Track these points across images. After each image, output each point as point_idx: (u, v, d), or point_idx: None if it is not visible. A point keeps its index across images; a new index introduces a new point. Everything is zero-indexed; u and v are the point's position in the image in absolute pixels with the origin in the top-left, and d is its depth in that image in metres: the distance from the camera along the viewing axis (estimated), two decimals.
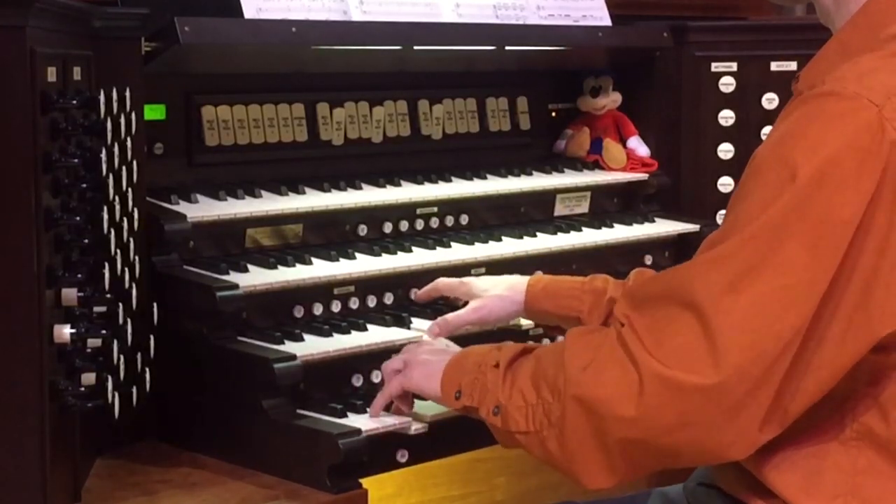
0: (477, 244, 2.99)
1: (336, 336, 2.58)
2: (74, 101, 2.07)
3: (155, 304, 2.42)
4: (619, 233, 3.26)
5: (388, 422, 2.39)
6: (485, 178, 3.24)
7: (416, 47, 3.02)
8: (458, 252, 2.93)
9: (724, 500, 2.08)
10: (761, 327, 1.82)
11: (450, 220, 3.08)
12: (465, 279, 2.72)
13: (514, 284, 2.66)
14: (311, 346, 2.51)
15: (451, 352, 2.30)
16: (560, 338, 2.93)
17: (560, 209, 3.34)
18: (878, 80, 1.83)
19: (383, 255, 2.82)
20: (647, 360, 1.88)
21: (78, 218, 2.07)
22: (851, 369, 1.86)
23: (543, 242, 3.09)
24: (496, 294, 2.65)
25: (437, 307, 2.78)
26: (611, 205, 3.46)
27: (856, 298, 1.82)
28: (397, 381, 2.34)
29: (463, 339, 2.73)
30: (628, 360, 1.90)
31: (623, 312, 1.96)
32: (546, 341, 2.89)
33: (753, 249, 1.83)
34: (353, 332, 2.61)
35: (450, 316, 2.63)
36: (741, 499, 2.03)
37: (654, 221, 3.40)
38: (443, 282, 2.73)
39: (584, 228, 3.23)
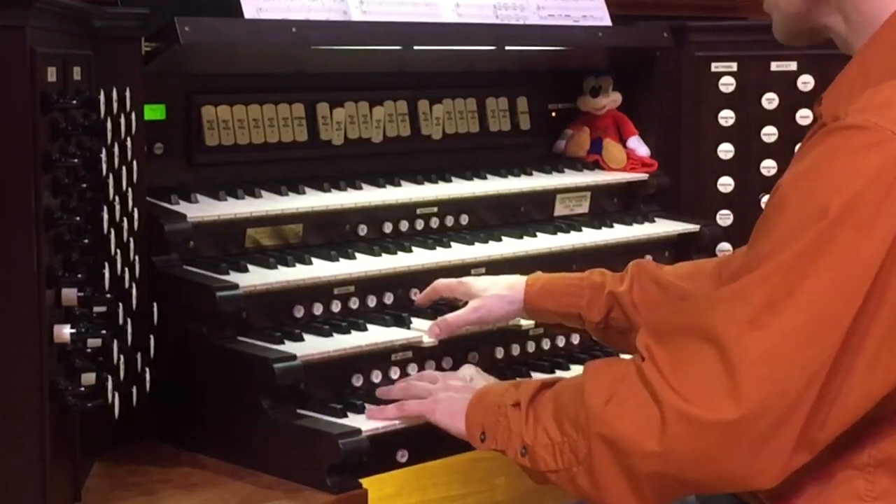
0: (477, 244, 2.99)
1: (336, 336, 2.58)
2: (74, 101, 2.07)
3: (155, 304, 2.42)
4: (619, 233, 3.26)
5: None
6: (485, 178, 3.24)
7: (416, 47, 3.02)
8: (458, 252, 2.93)
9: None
10: (783, 362, 1.81)
11: (450, 220, 3.08)
12: (464, 279, 2.72)
13: (512, 284, 2.66)
14: (311, 346, 2.51)
15: (473, 388, 2.28)
16: (561, 338, 2.94)
17: (560, 209, 3.34)
18: None
19: (383, 255, 2.82)
20: (669, 395, 1.87)
21: (78, 218, 2.07)
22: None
23: (543, 242, 3.09)
24: (495, 294, 2.65)
25: (438, 307, 2.78)
26: (611, 205, 3.46)
27: (883, 331, 1.81)
28: (419, 409, 2.33)
29: (464, 340, 2.74)
30: (649, 396, 1.89)
31: (645, 344, 1.95)
32: (546, 341, 2.90)
33: (776, 285, 1.82)
34: (353, 332, 2.61)
35: (449, 316, 2.63)
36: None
37: (654, 221, 3.39)
38: (441, 283, 2.73)
39: (584, 228, 3.23)
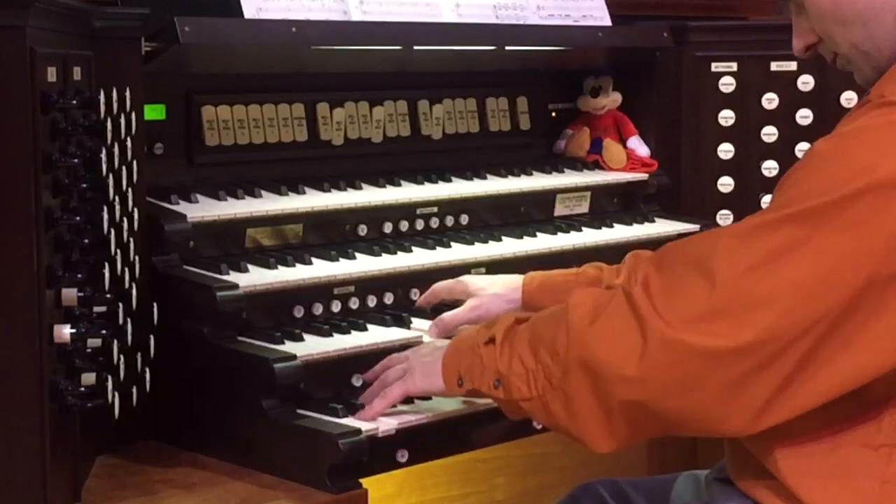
0: (477, 244, 2.99)
1: (336, 336, 2.57)
2: (74, 101, 2.07)
3: (155, 304, 2.42)
4: (619, 233, 3.26)
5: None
6: (485, 178, 3.24)
7: (416, 47, 3.02)
8: (458, 252, 2.93)
9: (737, 498, 2.08)
10: (778, 312, 1.82)
11: (450, 220, 3.08)
12: (462, 278, 2.73)
13: (509, 283, 2.67)
14: (311, 346, 2.51)
15: (446, 344, 2.30)
16: None
17: (560, 209, 3.34)
18: None
19: (383, 255, 2.82)
20: (654, 319, 1.88)
21: (78, 218, 2.07)
22: (890, 374, 1.84)
23: (543, 242, 3.09)
24: (493, 293, 2.65)
25: (437, 307, 2.78)
26: (611, 205, 3.46)
27: (891, 310, 1.80)
28: (400, 387, 2.34)
29: None
30: (634, 318, 1.91)
31: (645, 271, 1.96)
32: None
33: (787, 234, 1.83)
34: (353, 332, 2.61)
35: (446, 315, 2.64)
36: (756, 499, 2.03)
37: (654, 221, 3.40)
38: (439, 286, 2.73)
39: (584, 228, 3.23)
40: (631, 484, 2.45)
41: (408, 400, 2.41)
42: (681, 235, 3.34)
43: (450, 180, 3.16)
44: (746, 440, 1.98)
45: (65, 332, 2.04)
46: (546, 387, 2.02)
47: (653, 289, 1.91)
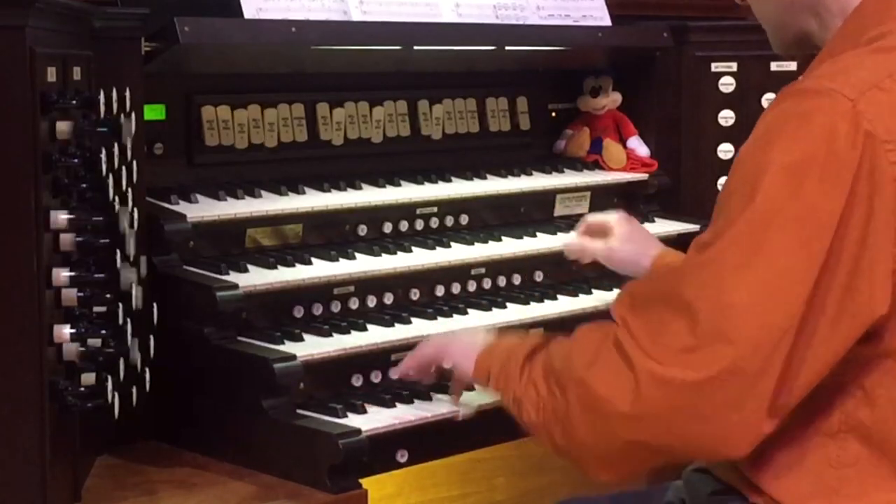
0: (477, 244, 2.99)
1: (336, 336, 2.58)
2: (74, 101, 2.07)
3: (155, 304, 2.42)
4: None
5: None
6: (485, 178, 3.24)
7: (416, 47, 3.02)
8: (457, 252, 2.93)
9: (715, 485, 2.10)
10: (753, 322, 1.84)
11: (450, 220, 3.08)
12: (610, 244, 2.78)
13: (647, 251, 2.74)
14: (311, 346, 2.51)
15: (479, 335, 2.36)
16: None
17: (560, 209, 3.34)
18: (855, 75, 1.87)
19: (383, 255, 2.82)
20: (642, 359, 1.90)
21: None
22: (840, 361, 1.88)
23: (543, 242, 3.09)
24: (632, 249, 2.74)
25: (437, 307, 2.79)
26: (611, 205, 3.46)
27: (843, 288, 1.84)
28: (435, 348, 2.41)
29: None
30: (622, 361, 1.93)
31: (619, 314, 1.99)
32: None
33: (740, 248, 1.86)
34: (353, 332, 2.61)
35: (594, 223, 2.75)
36: (732, 484, 2.05)
37: (654, 221, 3.39)
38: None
39: None
40: (612, 500, 2.46)
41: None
42: (681, 235, 3.34)
43: (450, 180, 3.16)
44: None
45: (65, 332, 2.04)
46: (551, 418, 2.05)
47: (635, 332, 1.94)
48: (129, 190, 2.37)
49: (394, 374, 2.54)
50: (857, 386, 1.92)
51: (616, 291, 2.82)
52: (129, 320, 2.22)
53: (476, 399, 2.48)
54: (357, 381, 2.58)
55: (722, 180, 3.57)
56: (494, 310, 2.84)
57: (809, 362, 1.86)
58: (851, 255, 1.83)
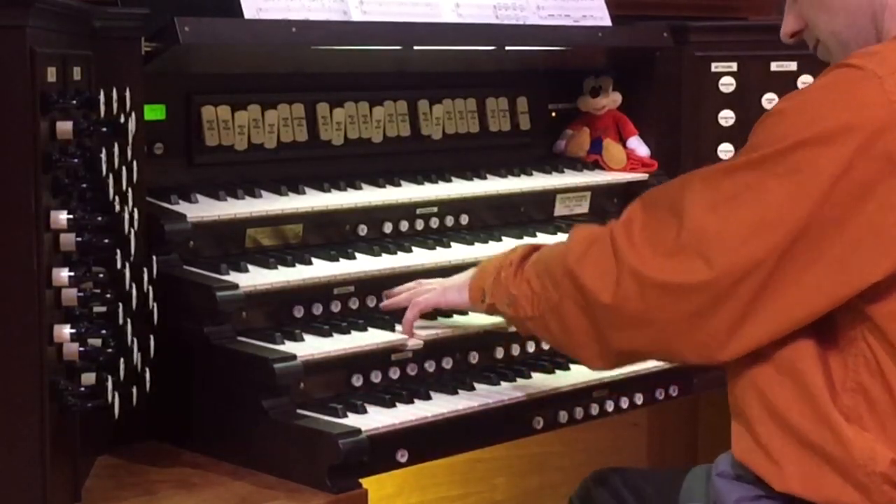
0: (477, 244, 2.99)
1: (336, 336, 2.58)
2: (74, 101, 2.07)
3: (155, 304, 2.42)
4: None
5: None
6: (485, 178, 3.24)
7: (416, 47, 3.02)
8: (457, 252, 2.93)
9: (738, 492, 2.14)
10: (730, 248, 2.00)
11: (450, 220, 3.08)
12: (419, 280, 2.76)
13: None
14: (311, 346, 2.51)
15: (475, 267, 2.54)
16: None
17: (560, 209, 3.34)
18: (891, 59, 2.01)
19: (383, 255, 2.82)
20: (628, 252, 2.10)
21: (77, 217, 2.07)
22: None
23: (544, 242, 3.08)
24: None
25: (438, 308, 2.78)
26: (611, 205, 3.46)
27: (837, 250, 1.96)
28: (429, 299, 2.59)
29: (463, 340, 2.74)
30: (612, 253, 2.12)
31: (631, 209, 2.17)
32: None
33: (742, 179, 2.03)
34: (353, 332, 2.60)
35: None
36: (750, 466, 2.10)
37: None
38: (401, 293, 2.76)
39: None
40: (645, 475, 2.55)
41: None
42: None
43: (450, 180, 3.16)
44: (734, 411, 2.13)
45: (65, 332, 2.04)
46: (546, 309, 2.25)
47: (634, 224, 2.12)
48: (130, 190, 2.37)
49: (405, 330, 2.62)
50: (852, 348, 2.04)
51: None
52: (129, 320, 2.22)
53: (426, 331, 2.64)
54: (357, 381, 2.58)
55: None
56: None
57: (783, 302, 1.99)
58: (849, 221, 1.95)
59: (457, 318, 2.74)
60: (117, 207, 2.23)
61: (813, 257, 1.98)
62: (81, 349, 2.08)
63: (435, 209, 3.04)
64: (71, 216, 2.04)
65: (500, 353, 2.82)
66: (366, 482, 2.34)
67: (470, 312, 2.76)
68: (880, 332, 1.99)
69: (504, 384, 2.69)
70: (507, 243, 3.02)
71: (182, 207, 2.65)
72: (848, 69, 2.02)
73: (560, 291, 2.21)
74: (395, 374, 2.63)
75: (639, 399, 2.89)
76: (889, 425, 2.00)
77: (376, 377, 2.61)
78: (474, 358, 2.76)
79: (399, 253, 2.84)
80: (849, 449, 1.99)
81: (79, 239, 2.06)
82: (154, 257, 2.49)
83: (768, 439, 2.05)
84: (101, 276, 2.12)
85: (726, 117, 3.56)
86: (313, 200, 2.85)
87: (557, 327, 2.24)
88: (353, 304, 2.72)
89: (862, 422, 2.01)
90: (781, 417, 2.04)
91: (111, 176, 2.16)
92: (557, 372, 2.80)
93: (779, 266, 1.98)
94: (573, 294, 2.18)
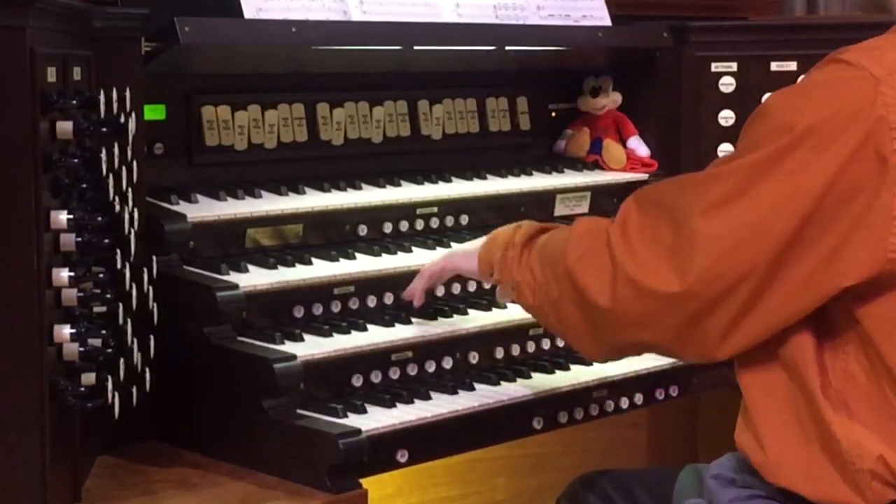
0: None
1: (336, 336, 2.58)
2: (74, 101, 2.07)
3: (155, 304, 2.42)
4: None
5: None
6: (485, 178, 3.24)
7: (416, 47, 3.02)
8: None
9: (735, 494, 2.15)
10: (723, 252, 1.99)
11: (450, 220, 3.08)
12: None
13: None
14: (311, 346, 2.51)
15: (477, 243, 2.55)
16: None
17: (560, 209, 3.34)
18: (890, 56, 1.96)
19: (383, 255, 2.82)
20: (624, 257, 2.09)
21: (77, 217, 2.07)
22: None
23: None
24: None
25: (437, 307, 2.78)
26: (611, 205, 3.46)
27: (827, 249, 1.95)
28: (438, 263, 2.64)
29: (464, 340, 2.74)
30: (609, 256, 2.11)
31: (625, 208, 2.16)
32: (546, 341, 2.89)
33: (735, 182, 2.00)
34: (353, 332, 2.61)
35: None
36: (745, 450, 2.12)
37: None
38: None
39: None
40: (633, 475, 2.50)
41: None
42: None
43: (450, 180, 3.17)
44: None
45: (65, 332, 2.04)
46: (545, 301, 2.27)
47: (630, 228, 2.11)
48: (130, 190, 2.37)
49: (406, 296, 2.69)
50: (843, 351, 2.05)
51: None
52: (129, 320, 2.22)
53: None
54: (357, 381, 2.58)
55: None
56: (494, 309, 2.84)
57: (776, 308, 1.99)
58: (836, 223, 1.94)
59: (457, 318, 2.74)
60: (117, 207, 2.23)
61: (804, 256, 1.97)
62: (81, 349, 2.08)
63: (435, 209, 3.04)
64: (71, 216, 2.04)
65: (500, 353, 2.83)
66: (366, 482, 2.34)
67: (470, 312, 2.77)
68: (867, 335, 1.99)
69: (504, 384, 2.69)
70: None
71: (182, 207, 2.66)
72: (844, 67, 1.98)
73: (559, 288, 2.22)
74: (395, 374, 2.63)
75: (639, 399, 2.89)
76: (874, 419, 2.00)
77: (376, 377, 2.61)
78: (474, 358, 2.76)
79: (399, 253, 2.84)
80: (839, 443, 1.99)
81: (79, 239, 2.06)
82: (154, 257, 2.49)
83: (765, 431, 2.06)
84: (101, 276, 2.12)
85: (726, 117, 3.56)
86: (313, 200, 2.85)
87: (556, 320, 2.27)
88: (354, 304, 2.72)
89: (850, 413, 2.01)
90: (778, 410, 2.05)
91: (111, 176, 2.16)
92: (557, 372, 2.80)
93: (772, 268, 1.98)
94: (572, 294, 2.19)
